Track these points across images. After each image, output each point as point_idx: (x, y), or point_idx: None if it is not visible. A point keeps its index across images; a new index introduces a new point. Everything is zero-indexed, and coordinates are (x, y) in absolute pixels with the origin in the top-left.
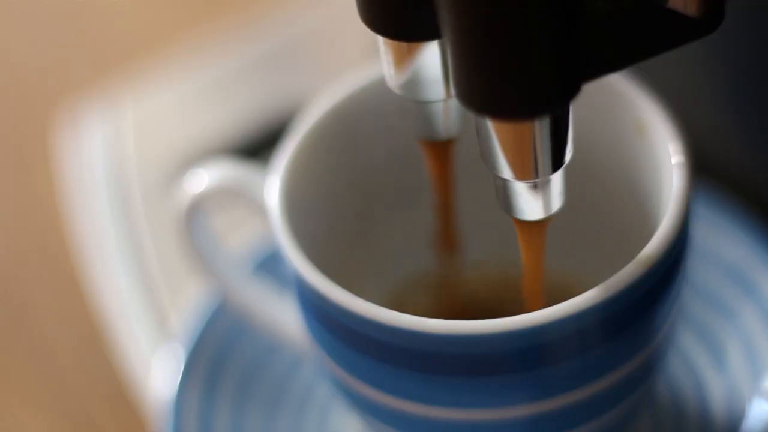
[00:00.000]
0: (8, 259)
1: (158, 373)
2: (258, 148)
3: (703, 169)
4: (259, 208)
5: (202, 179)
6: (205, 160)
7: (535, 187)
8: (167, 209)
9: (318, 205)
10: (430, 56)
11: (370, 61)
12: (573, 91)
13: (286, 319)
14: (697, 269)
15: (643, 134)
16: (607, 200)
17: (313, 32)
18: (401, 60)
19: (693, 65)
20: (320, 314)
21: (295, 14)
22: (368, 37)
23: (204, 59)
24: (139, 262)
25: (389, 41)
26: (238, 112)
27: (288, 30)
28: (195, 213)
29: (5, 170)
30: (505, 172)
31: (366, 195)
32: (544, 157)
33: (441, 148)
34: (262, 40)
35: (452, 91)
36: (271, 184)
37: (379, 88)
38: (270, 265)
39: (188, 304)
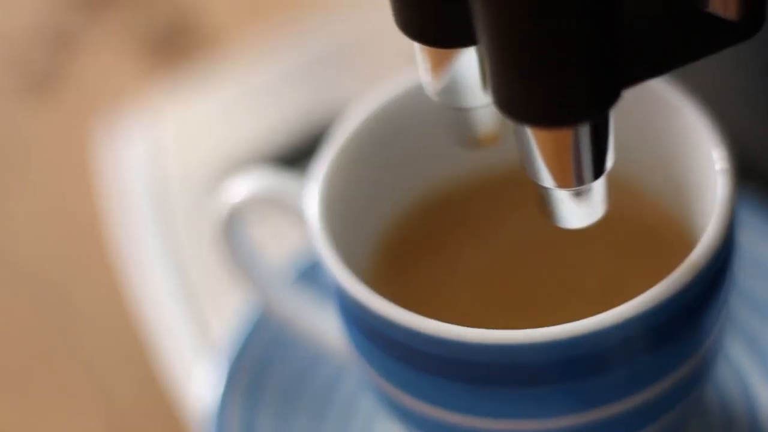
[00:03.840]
0: (50, 268)
1: (201, 382)
2: (298, 156)
3: (747, 175)
4: (298, 217)
5: (241, 188)
6: (245, 168)
7: (577, 194)
8: (207, 218)
9: (357, 213)
10: (467, 63)
11: (412, 67)
12: (613, 97)
13: (327, 328)
14: (744, 276)
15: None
16: (649, 206)
17: (354, 39)
18: (438, 66)
19: (734, 68)
20: (362, 324)
21: (335, 21)
22: (411, 44)
23: (245, 67)
24: (180, 271)
25: (426, 47)
26: (278, 120)
27: (329, 37)
28: (234, 222)
29: (47, 179)
30: (547, 180)
31: (406, 202)
32: (586, 164)
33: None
34: (303, 48)
35: (490, 98)
36: (311, 193)
37: (418, 94)
38: (310, 274)
39: (230, 313)
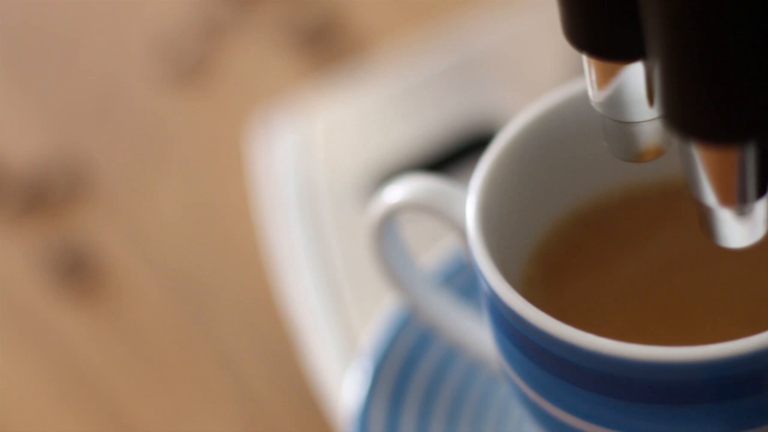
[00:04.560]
0: (195, 265)
1: (346, 385)
2: (447, 161)
3: None
4: (452, 224)
5: (397, 192)
6: (394, 171)
7: (739, 214)
8: (358, 219)
9: (513, 223)
10: (634, 76)
11: (565, 76)
12: None
13: (474, 334)
14: None
15: None
16: None
17: (503, 44)
18: (604, 79)
19: None
20: (515, 335)
21: (488, 24)
22: (563, 51)
23: (395, 69)
24: (327, 273)
25: (593, 59)
26: (428, 123)
27: (482, 39)
28: (388, 226)
29: (194, 172)
30: (709, 198)
31: (561, 213)
32: (750, 182)
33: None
34: (455, 50)
35: (656, 113)
36: (468, 201)
37: (578, 103)
38: (457, 279)
39: (377, 315)
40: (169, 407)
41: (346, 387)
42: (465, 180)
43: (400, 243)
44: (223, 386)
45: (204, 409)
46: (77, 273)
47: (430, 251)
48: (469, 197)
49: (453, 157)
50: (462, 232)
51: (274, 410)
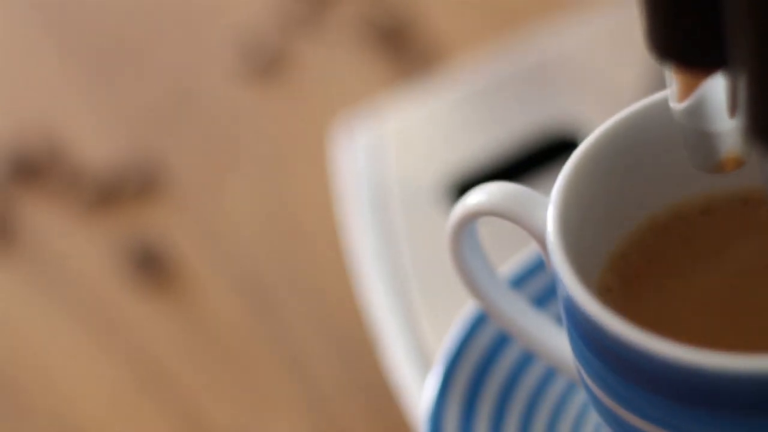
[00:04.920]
0: (269, 265)
1: (418, 388)
2: (519, 166)
3: None
4: (532, 230)
5: (479, 197)
6: (467, 176)
7: None
8: (432, 223)
9: (592, 230)
10: (716, 86)
11: (644, 82)
12: None
13: (550, 339)
14: None
15: None
16: None
17: (580, 49)
18: (686, 88)
19: None
20: (594, 343)
21: (563, 31)
22: (642, 57)
23: (470, 76)
24: (401, 275)
25: (675, 69)
26: (500, 131)
27: (557, 46)
28: (469, 230)
29: (273, 174)
30: None
31: (639, 221)
32: None
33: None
34: (531, 56)
35: (737, 123)
36: (550, 208)
37: (657, 111)
38: (534, 282)
39: (451, 319)
40: (240, 405)
41: (416, 389)
42: (537, 186)
43: (479, 247)
44: (293, 391)
45: (274, 409)
46: (151, 268)
47: (506, 254)
48: (550, 204)
49: (526, 163)
50: (541, 238)
51: (344, 413)
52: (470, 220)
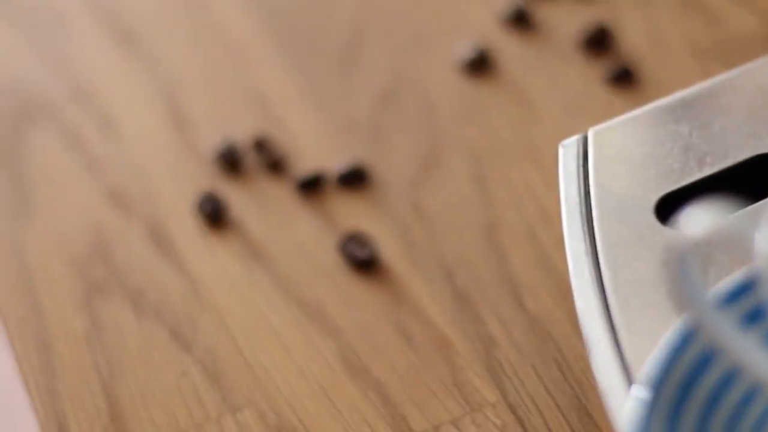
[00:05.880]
0: (474, 267)
1: (624, 406)
2: (728, 187)
3: None
4: (744, 253)
5: (698, 221)
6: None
7: None
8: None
9: None
10: None
11: None
12: None
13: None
14: None
15: None
16: None
17: None
18: None
19: None
20: None
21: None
22: None
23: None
24: (612, 288)
25: None
26: (709, 150)
27: None
28: (692, 254)
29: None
30: None
31: None
32: None
33: None
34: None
35: None
36: (761, 231)
37: None
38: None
39: (658, 336)
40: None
41: (623, 408)
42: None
43: (697, 269)
44: (494, 395)
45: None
46: (364, 265)
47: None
48: (759, 225)
49: (734, 183)
50: (755, 259)
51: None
52: (691, 243)
